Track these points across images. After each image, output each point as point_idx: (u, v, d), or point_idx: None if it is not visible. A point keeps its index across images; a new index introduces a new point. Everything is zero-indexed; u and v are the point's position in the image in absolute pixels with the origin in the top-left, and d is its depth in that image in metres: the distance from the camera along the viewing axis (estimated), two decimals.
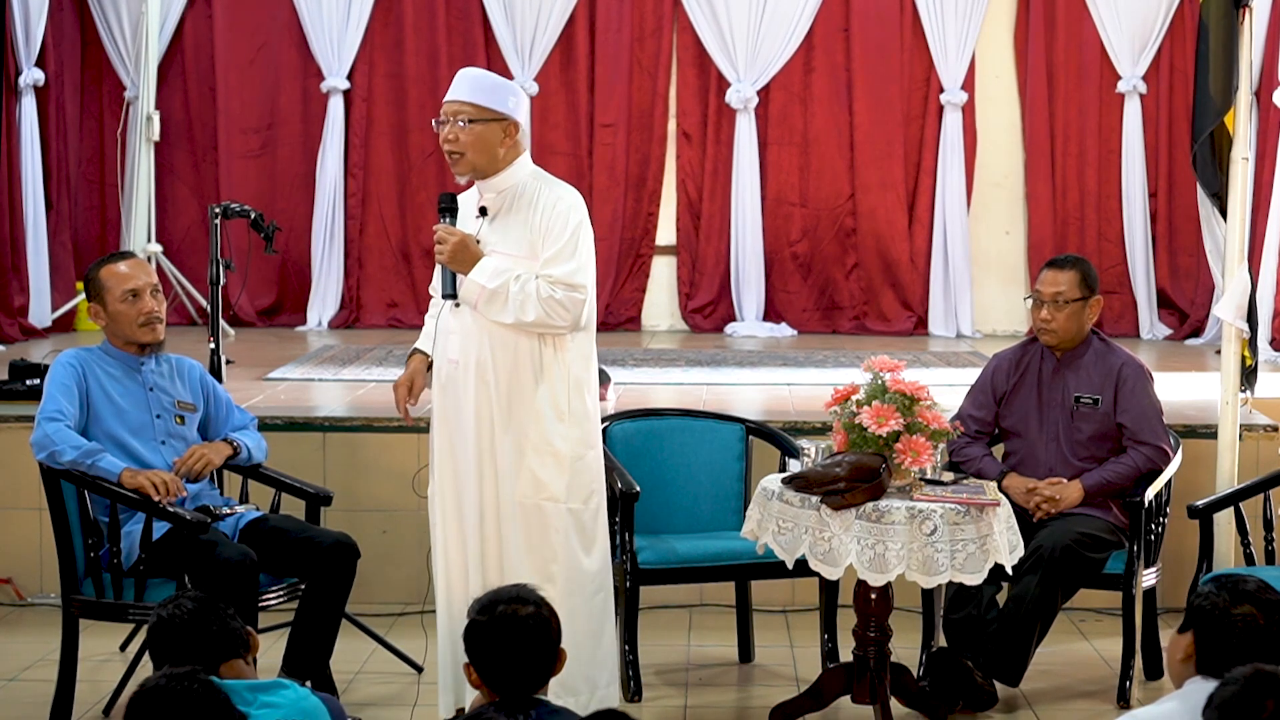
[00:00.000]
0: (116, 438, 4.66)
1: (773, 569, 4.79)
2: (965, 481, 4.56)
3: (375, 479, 6.08)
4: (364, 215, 10.04)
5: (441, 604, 4.58)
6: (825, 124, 10.06)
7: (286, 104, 10.05)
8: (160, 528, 4.56)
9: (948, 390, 5.74)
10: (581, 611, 4.44)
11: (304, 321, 9.98)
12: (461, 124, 4.43)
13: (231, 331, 8.97)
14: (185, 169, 10.07)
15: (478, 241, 4.46)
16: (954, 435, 4.61)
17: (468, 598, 4.28)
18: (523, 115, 4.53)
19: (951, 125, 9.96)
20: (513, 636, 3.20)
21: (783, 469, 5.19)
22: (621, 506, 5.03)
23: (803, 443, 4.80)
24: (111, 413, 4.69)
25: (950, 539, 4.25)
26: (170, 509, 4.50)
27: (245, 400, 6.09)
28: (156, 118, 9.54)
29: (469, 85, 4.48)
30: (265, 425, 5.42)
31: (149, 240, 9.41)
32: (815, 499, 4.33)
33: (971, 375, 5.77)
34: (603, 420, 5.32)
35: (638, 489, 5.06)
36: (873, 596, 4.49)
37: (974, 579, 4.31)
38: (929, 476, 4.46)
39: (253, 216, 5.62)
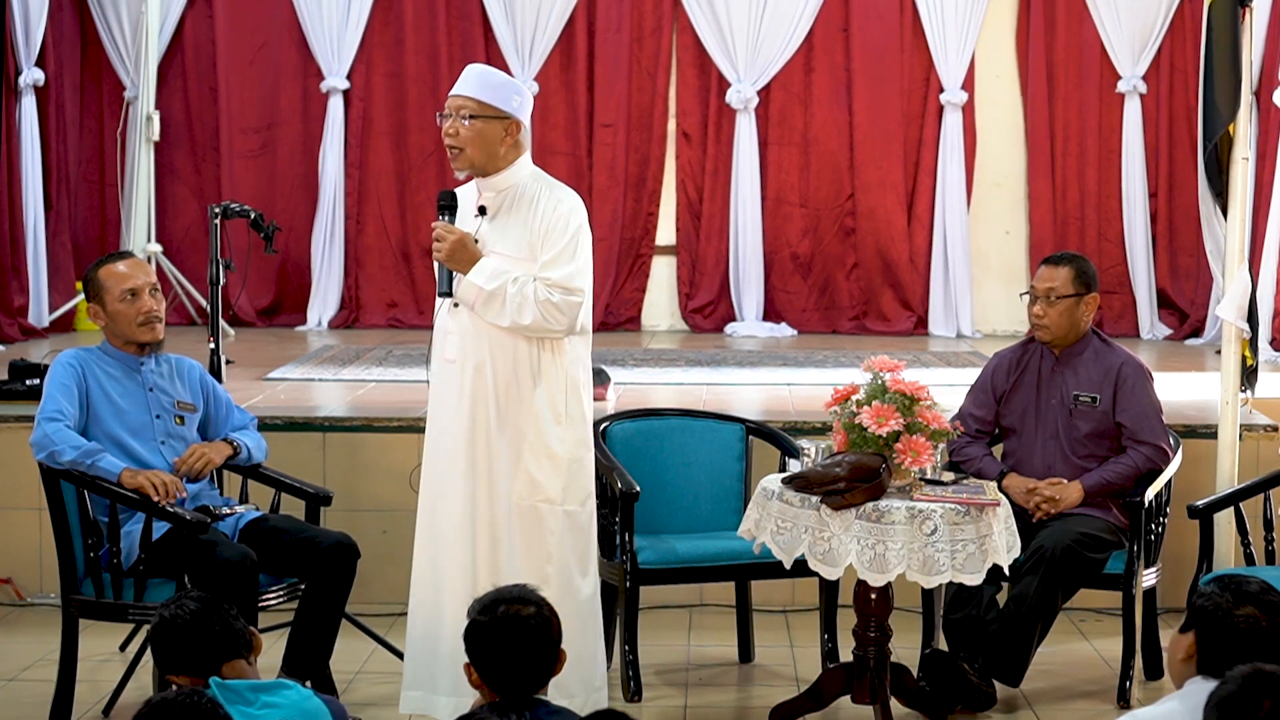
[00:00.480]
0: (116, 438, 4.66)
1: (773, 569, 4.78)
2: (965, 481, 4.56)
3: (375, 479, 6.08)
4: (364, 215, 10.04)
5: (412, 603, 4.58)
6: (825, 124, 10.06)
7: (286, 104, 10.05)
8: (160, 528, 4.56)
9: (948, 390, 5.73)
10: (576, 613, 4.41)
11: (304, 321, 9.97)
12: (464, 119, 4.43)
13: (231, 331, 8.97)
14: (185, 169, 10.07)
15: (475, 240, 4.45)
16: (954, 435, 4.61)
17: (463, 598, 4.27)
18: (527, 117, 4.53)
19: (951, 125, 9.96)
20: (514, 637, 3.20)
21: (783, 469, 5.18)
22: (622, 506, 5.02)
23: (803, 443, 4.79)
24: (111, 413, 4.69)
25: (950, 539, 4.25)
26: (170, 509, 4.49)
27: (245, 400, 6.09)
28: (156, 118, 9.54)
29: (475, 81, 4.48)
30: (265, 425, 5.41)
31: (149, 240, 9.41)
32: (815, 499, 4.33)
33: (971, 375, 5.77)
34: (602, 420, 5.35)
35: (638, 489, 5.05)
36: (873, 596, 4.49)
37: (973, 579, 4.31)
38: (929, 476, 4.46)
39: (252, 216, 5.62)
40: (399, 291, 10.08)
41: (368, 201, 10.02)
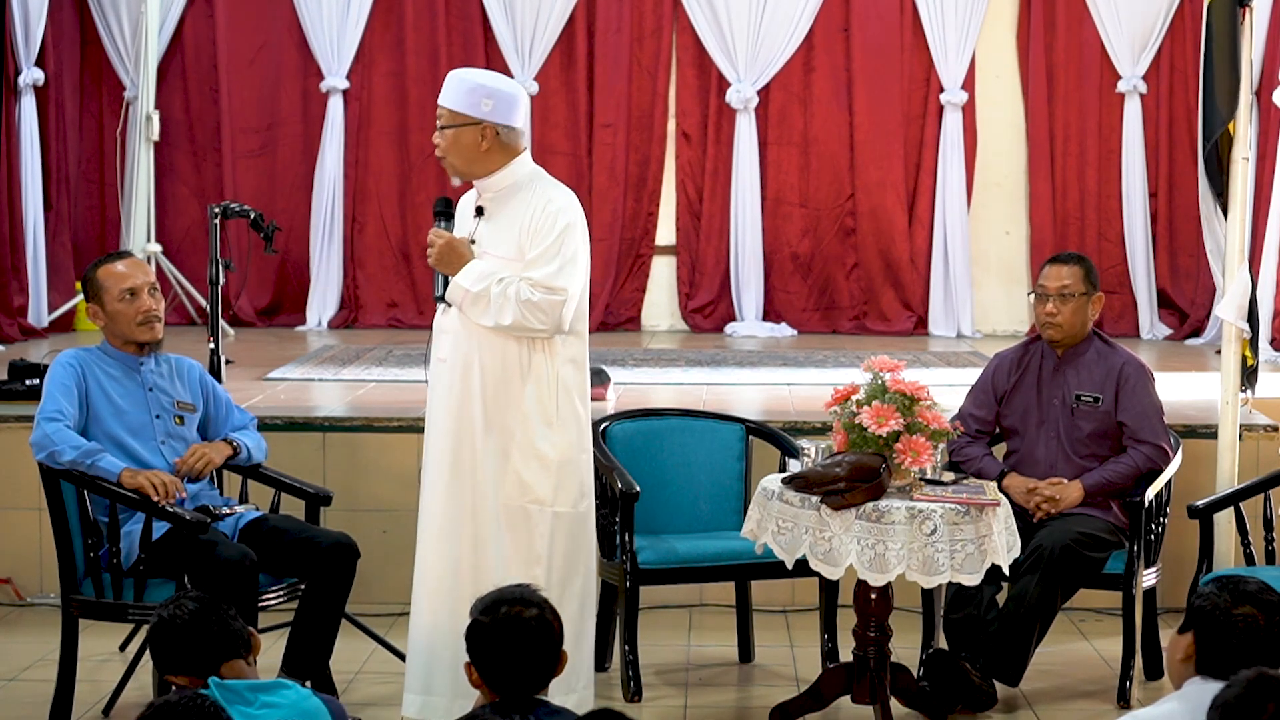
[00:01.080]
0: (116, 438, 4.65)
1: (773, 569, 4.79)
2: (965, 481, 4.55)
3: (375, 479, 6.07)
4: (363, 215, 10.03)
5: (415, 603, 4.60)
6: (825, 124, 10.05)
7: (286, 104, 10.04)
8: (160, 528, 4.55)
9: (948, 390, 5.73)
10: (565, 617, 4.38)
11: (303, 321, 9.96)
12: (443, 129, 4.47)
13: (231, 331, 8.96)
14: (185, 169, 10.06)
15: (473, 242, 4.47)
16: (954, 435, 4.61)
17: (444, 598, 4.42)
18: (510, 117, 4.47)
19: (952, 125, 9.95)
20: (515, 638, 3.20)
21: (783, 469, 5.18)
22: (622, 506, 5.01)
23: (803, 443, 4.78)
24: (111, 413, 4.68)
25: (950, 539, 4.24)
26: (170, 509, 4.49)
27: (245, 400, 6.08)
28: (156, 117, 9.52)
29: (448, 88, 4.50)
30: (265, 425, 5.41)
31: (149, 240, 9.39)
32: (815, 499, 4.33)
33: (972, 375, 5.77)
34: (602, 420, 5.34)
35: (638, 489, 5.04)
36: (873, 596, 4.48)
37: (972, 579, 4.30)
38: (929, 476, 4.45)
39: (252, 216, 5.60)
40: (399, 291, 10.07)
41: (368, 201, 10.02)
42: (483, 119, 4.42)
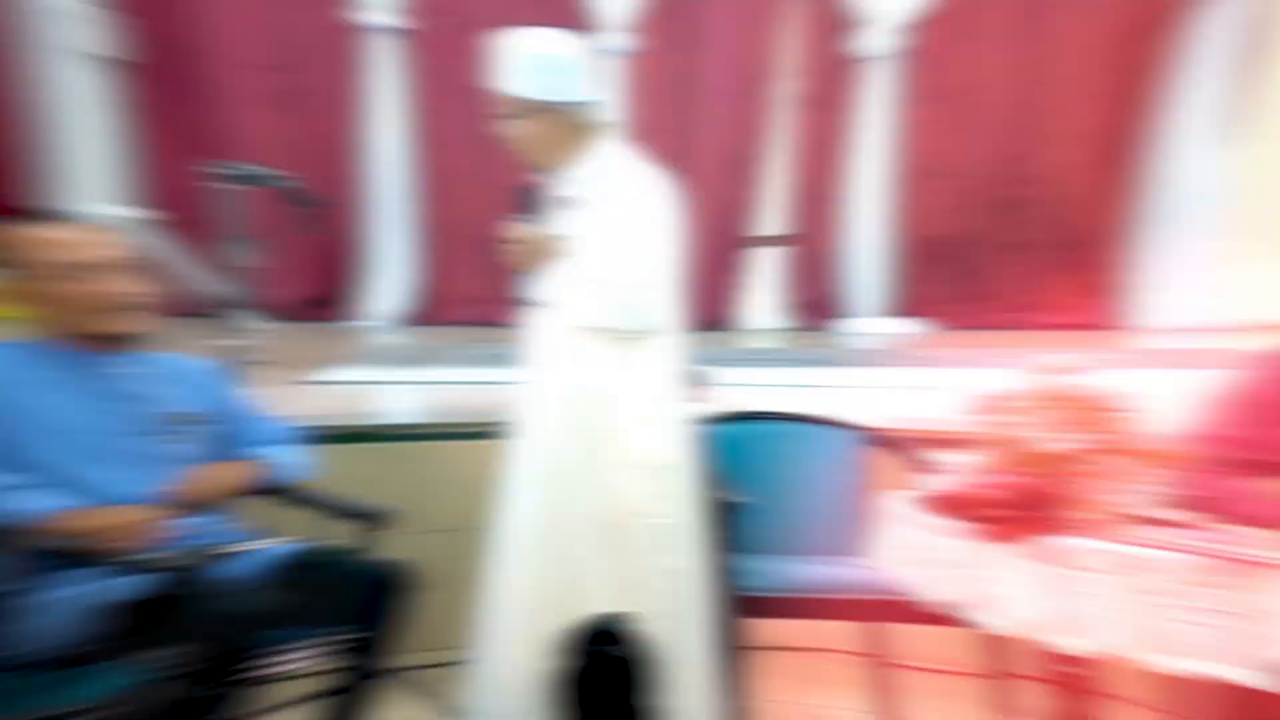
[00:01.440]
0: (53, 466, 3.65)
1: (910, 611, 3.91)
2: (1217, 527, 3.59)
3: (445, 495, 5.31)
4: (436, 191, 9.18)
5: (484, 645, 4.09)
6: (994, 66, 8.81)
7: (312, 39, 8.78)
8: (122, 585, 3.56)
9: (1167, 401, 4.73)
10: (678, 652, 3.82)
11: (359, 315, 9.18)
12: (508, 120, 4.13)
13: (263, 325, 7.98)
14: (166, 112, 8.50)
15: (557, 236, 4.21)
16: (1183, 461, 3.70)
17: (524, 636, 3.93)
18: (581, 90, 4.12)
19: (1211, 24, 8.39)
20: (605, 682, 2.93)
21: (914, 486, 4.41)
22: (722, 521, 4.47)
23: (940, 456, 4.24)
24: (45, 431, 3.68)
25: (1195, 606, 3.28)
26: (137, 559, 3.52)
27: (282, 409, 5.29)
28: (110, 34, 8.04)
29: (503, 69, 4.10)
30: (308, 439, 4.61)
31: (116, 203, 8.08)
32: (968, 527, 3.55)
33: (1202, 381, 4.68)
34: (701, 424, 4.84)
35: (741, 501, 4.54)
36: (1068, 668, 3.58)
37: (1239, 673, 3.23)
38: (1143, 513, 3.55)
39: (287, 185, 4.81)
40: (479, 284, 9.35)
41: (441, 175, 9.16)
42: (551, 100, 4.10)
